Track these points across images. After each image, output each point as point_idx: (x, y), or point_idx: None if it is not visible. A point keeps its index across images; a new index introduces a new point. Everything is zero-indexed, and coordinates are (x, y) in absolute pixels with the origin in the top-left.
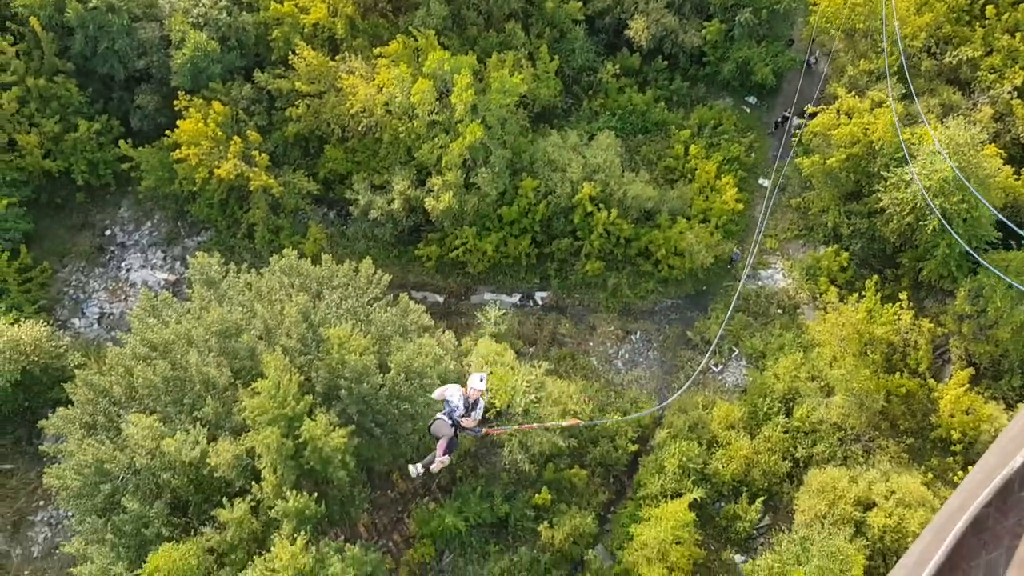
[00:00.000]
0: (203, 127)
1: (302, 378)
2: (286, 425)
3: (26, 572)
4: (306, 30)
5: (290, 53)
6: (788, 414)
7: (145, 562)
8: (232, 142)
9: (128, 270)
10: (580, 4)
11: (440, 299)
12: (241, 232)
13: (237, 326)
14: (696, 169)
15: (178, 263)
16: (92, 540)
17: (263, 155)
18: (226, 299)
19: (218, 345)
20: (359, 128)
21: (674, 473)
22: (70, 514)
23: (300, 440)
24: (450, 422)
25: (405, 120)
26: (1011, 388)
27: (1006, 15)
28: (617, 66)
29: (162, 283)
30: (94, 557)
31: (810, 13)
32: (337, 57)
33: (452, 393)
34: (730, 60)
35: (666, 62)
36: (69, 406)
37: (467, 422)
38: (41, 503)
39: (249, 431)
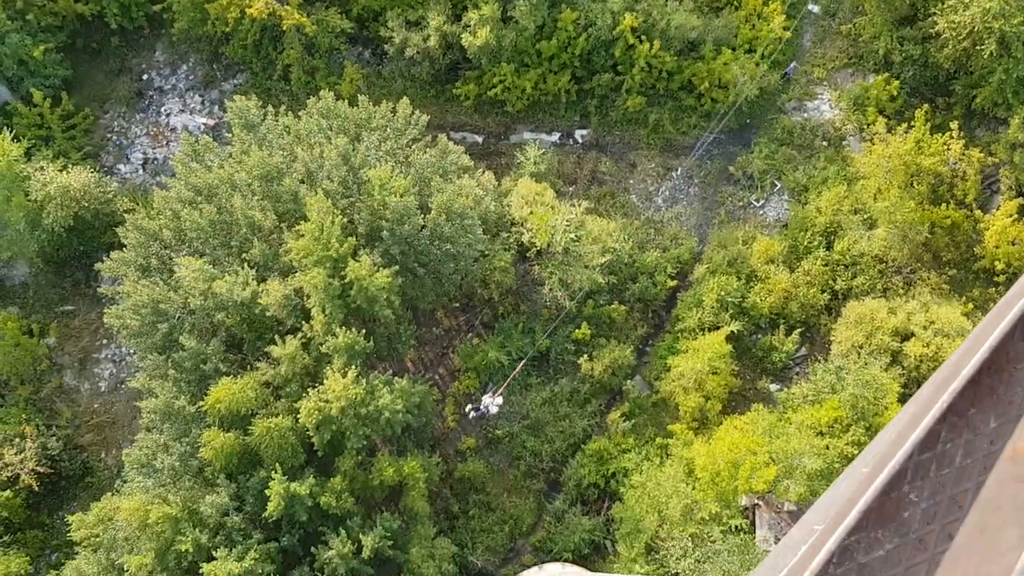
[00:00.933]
0: None
1: (345, 220)
2: (331, 266)
3: (96, 405)
4: None
5: None
6: (829, 247)
7: (206, 395)
8: None
9: (168, 115)
10: None
11: (479, 139)
12: (277, 74)
13: (278, 169)
14: None
15: (216, 107)
16: (155, 376)
17: None
18: (266, 143)
19: (261, 189)
20: None
21: (712, 307)
22: (132, 352)
23: (346, 280)
24: None
25: None
26: None
27: None
28: None
29: (202, 127)
30: (158, 392)
31: None
32: None
33: None
34: None
35: None
36: (123, 250)
37: None
38: (104, 341)
39: (296, 272)
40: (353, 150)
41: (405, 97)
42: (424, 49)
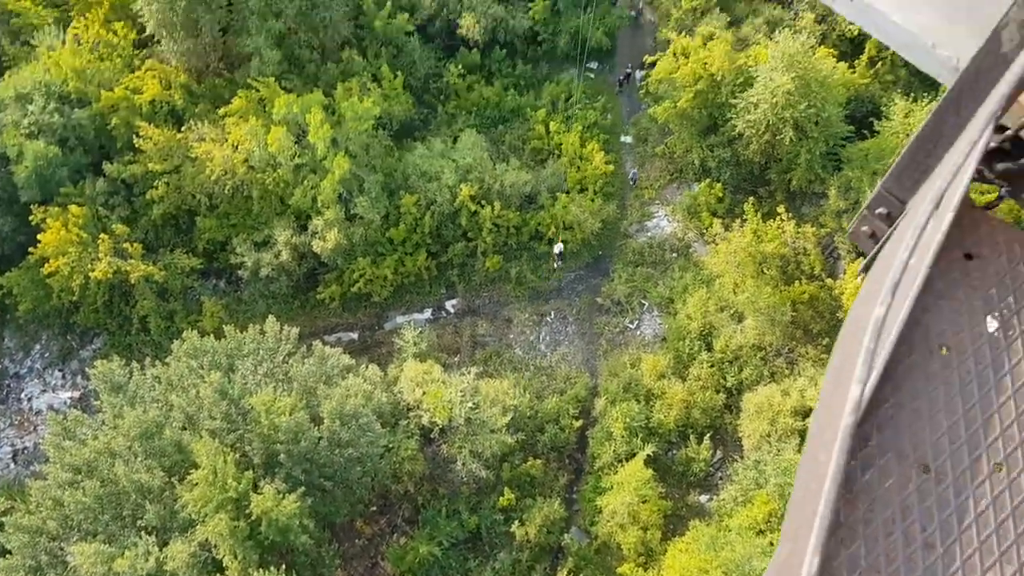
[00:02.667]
0: (66, 234)
1: (237, 455)
2: (233, 507)
3: None
4: (144, 109)
5: (134, 136)
6: (709, 348)
7: None
8: (100, 241)
9: (30, 399)
10: (407, 16)
11: (354, 335)
12: (134, 328)
13: (156, 423)
14: (561, 144)
15: (79, 377)
16: None
17: (135, 245)
18: (138, 399)
19: (142, 448)
20: (225, 191)
21: (622, 436)
22: None
23: (252, 517)
24: None
25: (269, 171)
26: None
27: None
28: (460, 66)
29: (68, 402)
30: None
31: None
32: (184, 128)
33: None
34: (563, 33)
35: (504, 51)
36: (6, 556)
37: None
38: None
39: (198, 524)
40: (229, 382)
41: (271, 316)
42: (278, 265)
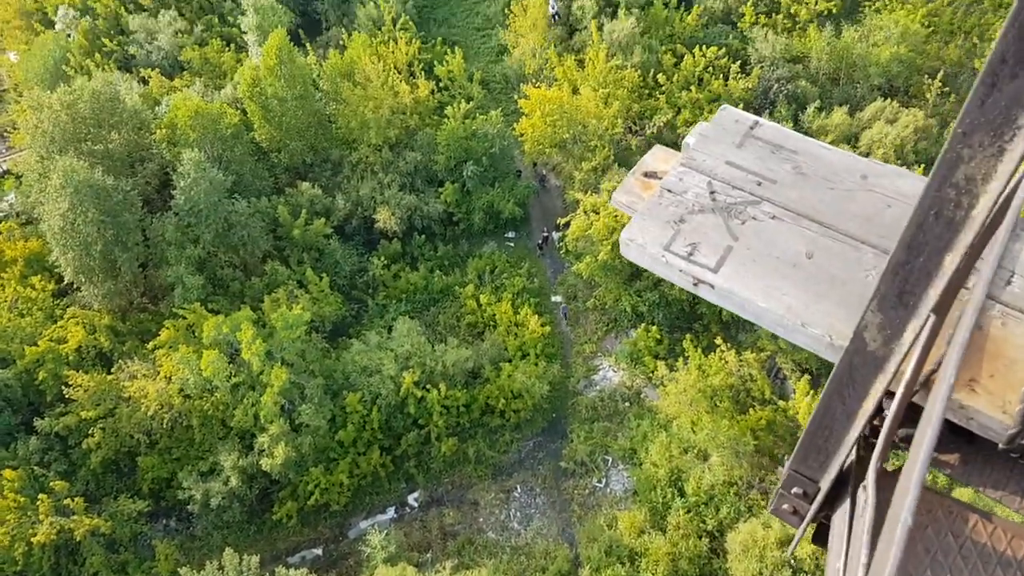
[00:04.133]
0: (2, 501)
1: None
2: None
3: None
4: (71, 358)
5: (64, 387)
6: (682, 494)
7: None
8: (40, 502)
9: None
10: (323, 220)
11: (319, 551)
12: None
13: None
14: (495, 314)
15: None
16: None
17: (77, 499)
18: None
19: None
20: (164, 425)
21: None
22: None
23: None
24: None
25: (207, 396)
26: None
27: (675, 76)
28: (383, 257)
29: None
30: None
31: (521, 144)
32: (113, 369)
33: None
34: (476, 210)
35: (423, 235)
36: None
37: None
38: None
39: None
40: None
41: (227, 548)
42: (228, 492)
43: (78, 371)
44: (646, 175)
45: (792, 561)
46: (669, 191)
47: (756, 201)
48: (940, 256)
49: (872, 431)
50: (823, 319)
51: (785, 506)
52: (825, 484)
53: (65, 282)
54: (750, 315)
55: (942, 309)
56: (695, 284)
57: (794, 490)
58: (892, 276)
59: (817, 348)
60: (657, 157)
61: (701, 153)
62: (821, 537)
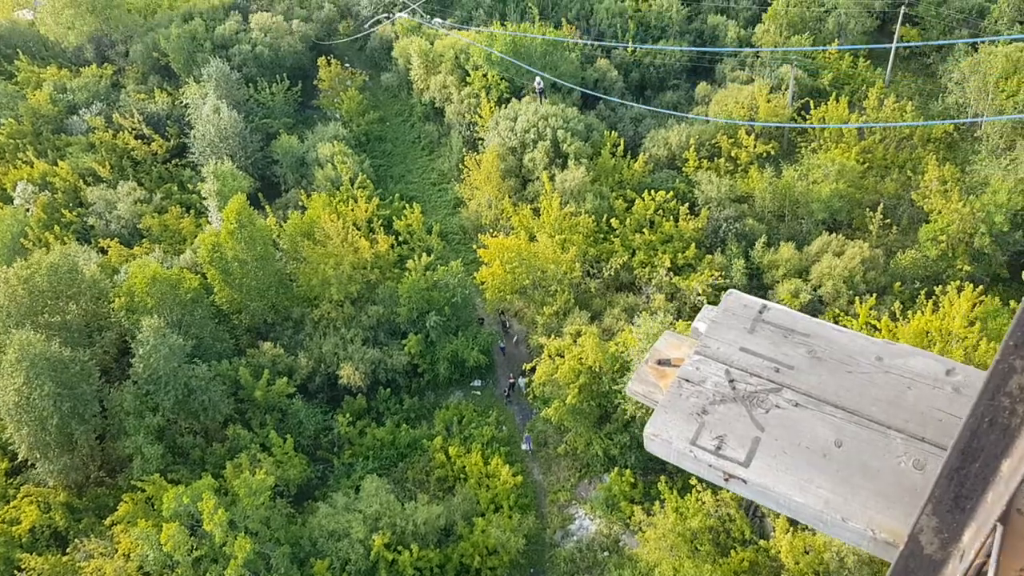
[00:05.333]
0: None
1: None
2: None
3: None
4: (24, 540)
5: (16, 572)
6: None
7: None
8: None
9: None
10: (286, 379)
11: None
12: None
13: None
14: (465, 467)
15: None
16: None
17: None
18: None
19: None
20: None
21: None
22: None
23: None
24: None
25: (167, 573)
26: None
27: (627, 220)
28: (347, 414)
29: None
30: None
31: (482, 292)
32: (69, 549)
33: None
34: (441, 360)
35: (388, 389)
36: None
37: None
38: None
39: None
40: None
41: None
42: None
43: (32, 554)
44: (660, 363)
45: None
46: (687, 381)
47: (777, 388)
48: (997, 462)
49: None
50: (862, 512)
51: None
52: None
53: (19, 460)
54: (786, 510)
55: (1007, 518)
56: (726, 479)
57: None
58: (947, 481)
59: (860, 543)
60: (669, 343)
61: (714, 340)
62: None
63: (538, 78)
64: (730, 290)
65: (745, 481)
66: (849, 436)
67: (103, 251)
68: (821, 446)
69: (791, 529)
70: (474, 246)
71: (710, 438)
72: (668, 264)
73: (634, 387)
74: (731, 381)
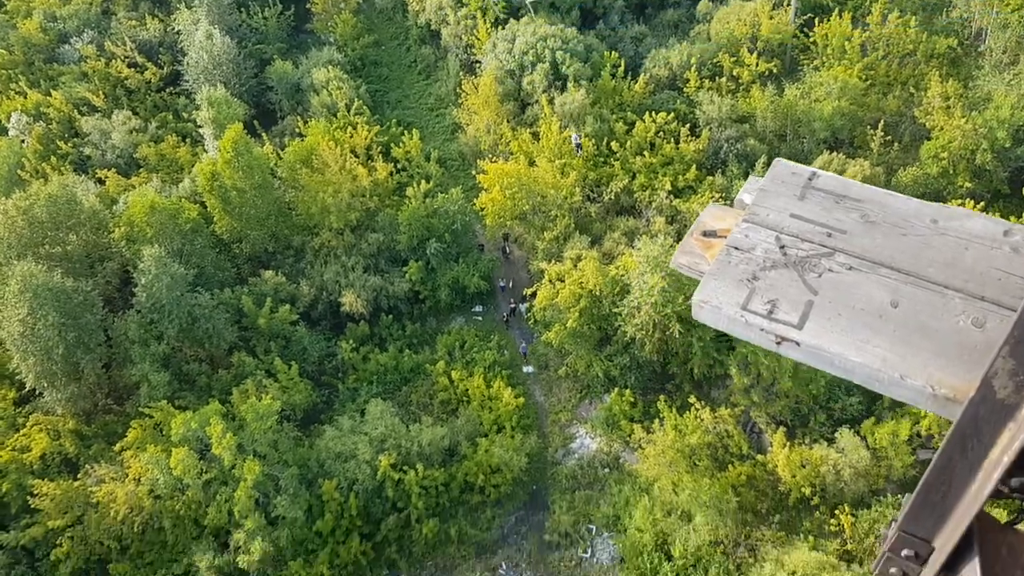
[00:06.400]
0: None
1: None
2: None
3: None
4: (35, 467)
5: (28, 497)
6: (669, 557)
7: None
8: None
9: None
10: (288, 307)
11: None
12: None
13: None
14: (467, 390)
15: None
16: None
17: None
18: None
19: None
20: (135, 529)
21: None
22: None
23: None
24: None
25: (178, 496)
26: (820, 424)
27: (628, 143)
28: (351, 340)
29: None
30: None
31: (482, 218)
32: (80, 474)
33: None
34: (442, 287)
35: (390, 316)
36: None
37: None
38: None
39: None
40: None
41: None
42: None
43: (43, 479)
44: (705, 234)
45: None
46: (736, 248)
47: (829, 253)
48: None
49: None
50: (921, 369)
51: (893, 570)
52: (942, 544)
53: (27, 389)
54: (841, 371)
55: None
56: (778, 343)
57: (904, 552)
58: None
59: (918, 400)
60: (714, 215)
61: (763, 208)
62: None
63: None
64: (777, 159)
65: (798, 343)
66: (905, 297)
67: (100, 181)
68: (877, 307)
69: (788, 444)
70: (473, 172)
71: (761, 303)
72: (668, 187)
73: (679, 259)
74: (782, 247)
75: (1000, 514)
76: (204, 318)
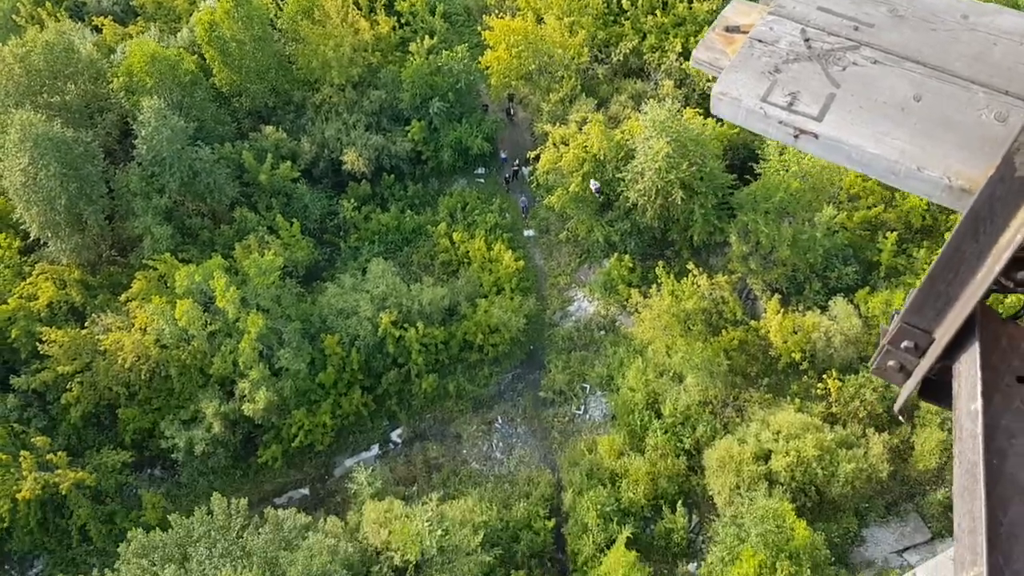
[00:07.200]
0: None
1: None
2: None
3: None
4: (43, 314)
5: (38, 343)
6: (659, 416)
7: None
8: (22, 459)
9: None
10: (289, 164)
11: (306, 491)
12: (75, 540)
13: None
14: (468, 251)
15: None
16: None
17: (59, 454)
18: None
19: None
20: (142, 377)
21: (597, 524)
22: None
23: None
24: None
25: (184, 346)
26: (815, 292)
27: (639, 1)
28: (352, 199)
29: None
30: None
31: (487, 77)
32: (87, 323)
33: None
34: (444, 147)
35: (392, 175)
36: None
37: None
38: None
39: None
40: (186, 573)
41: (215, 493)
42: (211, 439)
43: (51, 327)
44: (728, 30)
45: (768, 473)
46: (759, 41)
47: (855, 46)
48: None
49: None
50: (940, 161)
51: (891, 363)
52: (942, 333)
53: (31, 238)
54: (858, 164)
55: None
56: (796, 136)
57: (904, 344)
58: None
59: (932, 193)
60: (738, 11)
61: (791, 0)
62: (931, 392)
63: None
64: None
65: (816, 136)
66: (929, 91)
67: (97, 29)
68: (899, 101)
69: (782, 311)
70: (479, 28)
71: (782, 95)
72: (679, 48)
73: (698, 55)
74: (806, 40)
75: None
76: (205, 172)
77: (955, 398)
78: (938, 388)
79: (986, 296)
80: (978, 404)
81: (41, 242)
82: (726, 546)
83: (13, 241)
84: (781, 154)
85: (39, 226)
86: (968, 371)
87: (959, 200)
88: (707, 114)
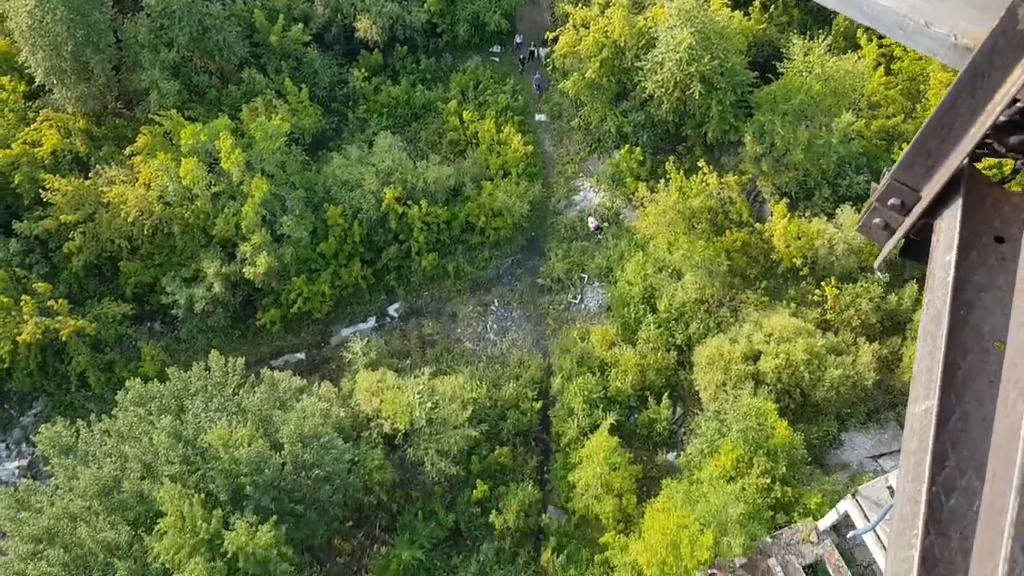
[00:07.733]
0: None
1: (202, 495)
2: (207, 549)
3: None
4: (47, 161)
5: (41, 191)
6: (654, 310)
7: None
8: (23, 302)
9: None
10: (301, 26)
11: (302, 356)
12: (73, 386)
13: (113, 478)
14: (477, 132)
15: (23, 445)
16: None
17: (60, 301)
18: (90, 457)
19: (103, 506)
20: (145, 232)
21: (583, 410)
22: None
23: (228, 556)
24: None
25: (187, 204)
26: (824, 199)
27: None
28: (363, 69)
29: (16, 472)
30: None
31: None
32: (91, 174)
33: None
34: (461, 21)
35: (405, 47)
36: None
37: None
38: None
39: (174, 573)
40: (182, 424)
41: (213, 350)
42: (211, 298)
43: (55, 175)
44: None
45: (756, 373)
46: None
47: None
48: None
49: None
50: (947, 17)
51: (876, 220)
52: (929, 191)
53: (36, 83)
54: (867, 17)
55: None
56: None
57: (891, 201)
58: None
59: (938, 51)
60: None
61: None
62: (912, 250)
63: None
64: None
65: None
66: None
67: None
68: None
69: (788, 215)
70: None
71: None
72: None
73: None
74: None
75: None
76: (215, 28)
77: (932, 250)
78: (919, 248)
79: (977, 159)
80: (953, 255)
81: (46, 88)
82: (707, 439)
83: (18, 85)
84: (806, 55)
85: (44, 71)
86: (948, 225)
87: (962, 59)
88: (734, 6)
